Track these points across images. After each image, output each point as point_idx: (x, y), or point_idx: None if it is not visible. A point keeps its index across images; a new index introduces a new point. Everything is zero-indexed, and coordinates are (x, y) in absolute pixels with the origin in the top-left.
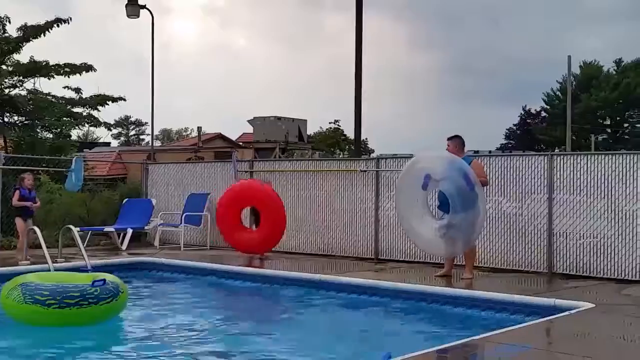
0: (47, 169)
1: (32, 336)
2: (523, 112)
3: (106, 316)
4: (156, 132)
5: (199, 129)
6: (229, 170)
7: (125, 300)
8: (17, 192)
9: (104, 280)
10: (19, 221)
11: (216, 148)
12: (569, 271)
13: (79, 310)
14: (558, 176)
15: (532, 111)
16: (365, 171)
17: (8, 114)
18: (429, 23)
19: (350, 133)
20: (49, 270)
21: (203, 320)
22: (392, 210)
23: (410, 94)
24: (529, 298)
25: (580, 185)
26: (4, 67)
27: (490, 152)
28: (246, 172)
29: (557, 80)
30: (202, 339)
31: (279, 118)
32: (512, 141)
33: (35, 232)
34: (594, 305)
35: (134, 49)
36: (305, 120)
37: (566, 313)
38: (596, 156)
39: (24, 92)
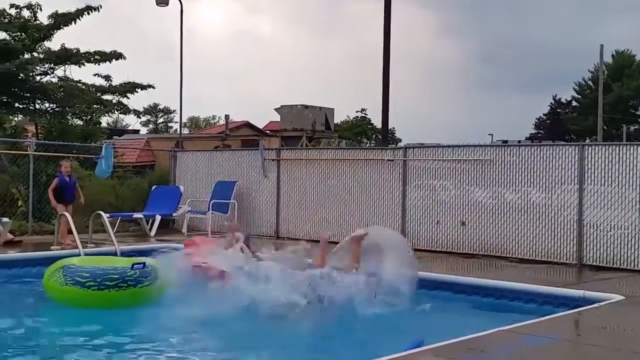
0: (77, 155)
1: (72, 318)
2: (553, 102)
3: (146, 299)
4: (184, 120)
5: (227, 117)
6: (257, 159)
7: (165, 284)
8: (56, 179)
9: (144, 263)
10: (60, 208)
11: (243, 136)
12: (599, 263)
13: (117, 292)
14: (589, 166)
15: (563, 100)
16: (392, 160)
17: (39, 101)
18: (457, 10)
19: (377, 122)
20: (79, 256)
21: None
22: (419, 200)
23: (438, 82)
24: (558, 289)
25: (611, 175)
26: (35, 54)
27: (519, 141)
28: (273, 160)
29: (588, 69)
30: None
31: (306, 106)
32: (541, 131)
33: (66, 218)
34: (623, 298)
35: (162, 36)
36: (333, 109)
37: (595, 305)
38: (628, 146)
39: (54, 80)
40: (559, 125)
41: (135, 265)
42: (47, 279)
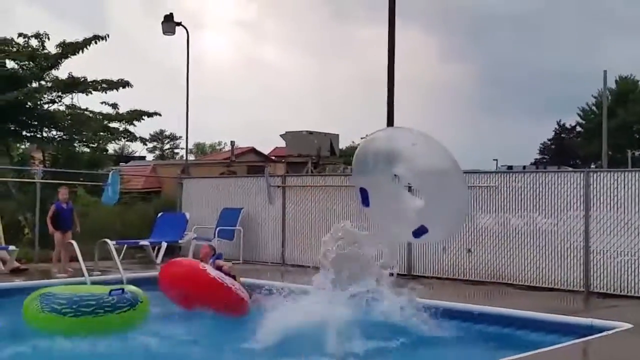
0: (83, 183)
1: (48, 347)
2: (558, 127)
3: (124, 326)
4: (190, 146)
5: (232, 143)
6: (262, 185)
7: (145, 311)
8: (53, 207)
9: (122, 289)
10: (57, 235)
11: (249, 162)
12: (607, 290)
13: (94, 318)
14: (595, 193)
15: (567, 126)
16: None
17: (47, 129)
18: (461, 34)
19: None
20: (86, 284)
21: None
22: None
23: (442, 108)
24: (565, 317)
25: (617, 202)
26: (43, 82)
27: (524, 167)
28: (279, 187)
29: (592, 95)
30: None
31: (311, 132)
32: (546, 156)
33: (72, 246)
34: (632, 326)
35: (169, 64)
36: (337, 135)
37: (604, 333)
38: (634, 173)
39: (62, 108)
40: (564, 151)
41: (112, 292)
42: (26, 307)
